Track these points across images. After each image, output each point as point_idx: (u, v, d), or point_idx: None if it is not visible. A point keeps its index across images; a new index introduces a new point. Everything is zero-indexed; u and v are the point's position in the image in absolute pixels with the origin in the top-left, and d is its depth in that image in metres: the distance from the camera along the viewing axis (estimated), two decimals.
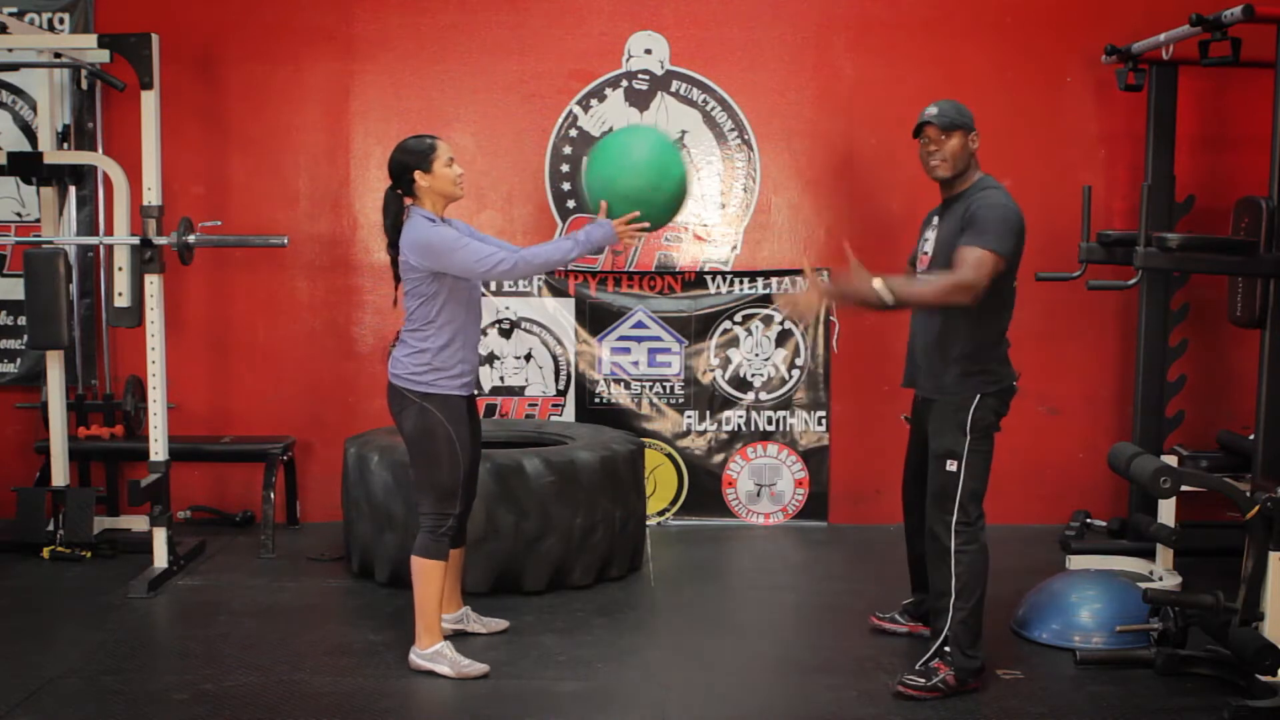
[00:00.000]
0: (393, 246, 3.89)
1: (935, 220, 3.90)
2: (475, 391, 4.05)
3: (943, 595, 3.75)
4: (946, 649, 3.74)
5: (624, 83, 5.82)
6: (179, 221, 4.92)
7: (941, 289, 3.62)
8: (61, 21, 5.72)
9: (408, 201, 3.90)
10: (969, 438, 3.72)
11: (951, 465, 3.73)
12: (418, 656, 3.90)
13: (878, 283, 3.56)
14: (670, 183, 3.86)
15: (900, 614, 4.31)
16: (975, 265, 3.59)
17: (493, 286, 5.80)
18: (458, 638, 4.14)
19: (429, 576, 3.87)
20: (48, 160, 5.09)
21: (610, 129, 5.79)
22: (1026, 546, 5.51)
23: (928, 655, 3.77)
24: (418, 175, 3.84)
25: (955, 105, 3.85)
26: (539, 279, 5.81)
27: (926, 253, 3.89)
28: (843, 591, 4.86)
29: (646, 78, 5.82)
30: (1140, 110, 5.45)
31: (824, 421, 5.89)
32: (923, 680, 3.72)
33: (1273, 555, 3.77)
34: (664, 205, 3.87)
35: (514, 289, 5.82)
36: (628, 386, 5.87)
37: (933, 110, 3.83)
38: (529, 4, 5.78)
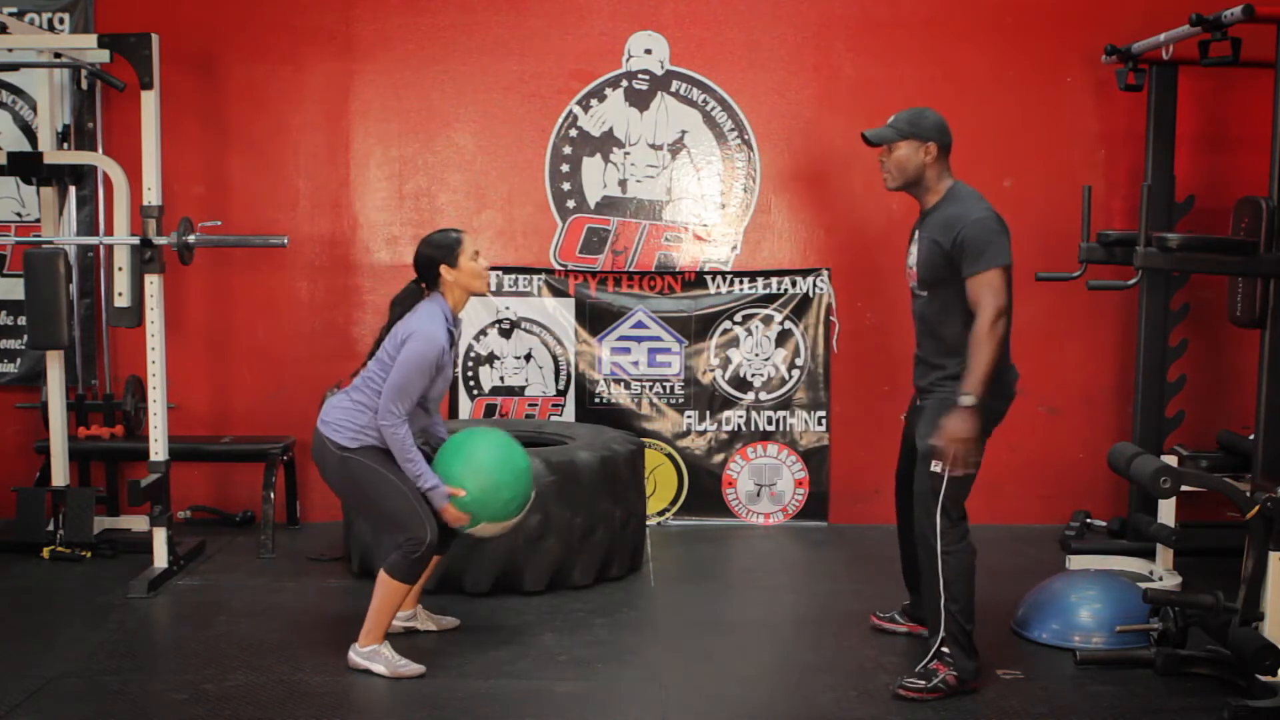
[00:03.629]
0: (386, 330, 3.88)
1: (916, 234, 3.92)
2: None
3: (934, 597, 3.75)
4: (945, 650, 3.74)
5: (624, 83, 5.83)
6: (179, 221, 4.92)
7: (988, 340, 3.62)
8: (61, 21, 5.72)
9: (428, 294, 3.91)
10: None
11: (937, 466, 3.73)
12: (355, 654, 3.91)
13: (963, 400, 3.61)
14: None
15: (900, 614, 4.31)
16: (993, 291, 3.63)
17: (492, 285, 5.79)
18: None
19: (392, 594, 3.87)
20: (48, 160, 5.09)
21: (609, 129, 5.81)
22: (1026, 546, 5.51)
23: (927, 658, 3.77)
24: (443, 269, 3.85)
25: (910, 115, 3.86)
26: (538, 279, 5.81)
27: (911, 267, 3.91)
28: (843, 591, 4.86)
29: (646, 78, 5.82)
30: (1140, 110, 5.45)
31: (824, 421, 5.89)
32: (923, 683, 3.72)
33: (1273, 555, 3.77)
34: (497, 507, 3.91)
35: (514, 289, 5.82)
36: (628, 386, 5.87)
37: (880, 128, 3.89)
38: (529, 4, 5.79)
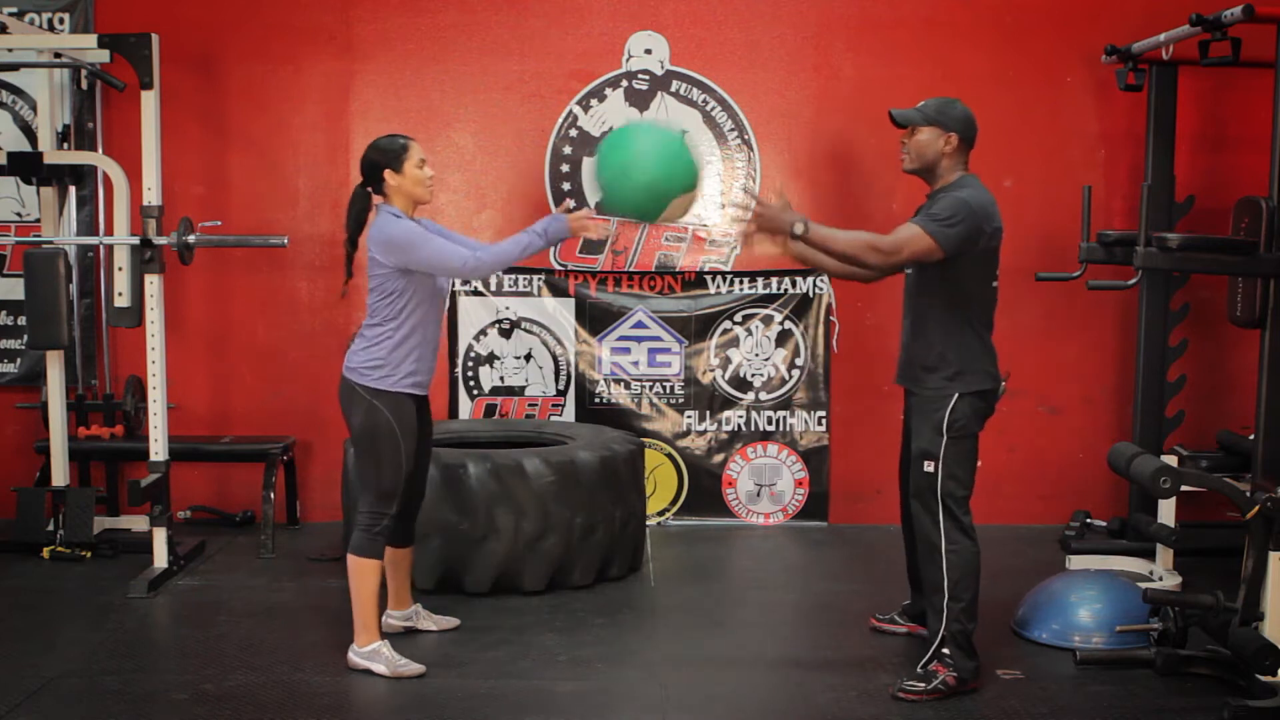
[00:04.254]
0: (350, 243, 3.92)
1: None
2: (427, 392, 4.04)
3: (936, 595, 3.76)
4: (945, 650, 3.74)
5: (624, 83, 5.82)
6: (179, 221, 4.92)
7: (857, 242, 3.67)
8: (61, 21, 5.72)
9: (376, 200, 3.93)
10: (945, 438, 3.74)
11: (929, 466, 3.75)
12: (355, 655, 3.92)
13: (795, 223, 3.63)
14: (677, 180, 3.80)
15: (899, 615, 4.31)
16: (903, 236, 3.65)
17: (492, 285, 5.80)
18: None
19: (365, 575, 3.88)
20: (48, 160, 5.09)
21: (609, 129, 5.80)
22: (1026, 546, 5.51)
23: (926, 658, 3.77)
24: (387, 174, 3.87)
25: (939, 103, 3.86)
26: (538, 279, 5.81)
27: None
28: (843, 591, 4.86)
29: (646, 78, 5.82)
30: (1140, 110, 5.45)
31: (824, 421, 5.89)
32: (923, 685, 3.72)
33: (1273, 555, 3.77)
34: (669, 196, 3.80)
35: (514, 289, 5.82)
36: (628, 386, 5.87)
37: (903, 109, 3.88)
38: (529, 4, 5.79)
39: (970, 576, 3.75)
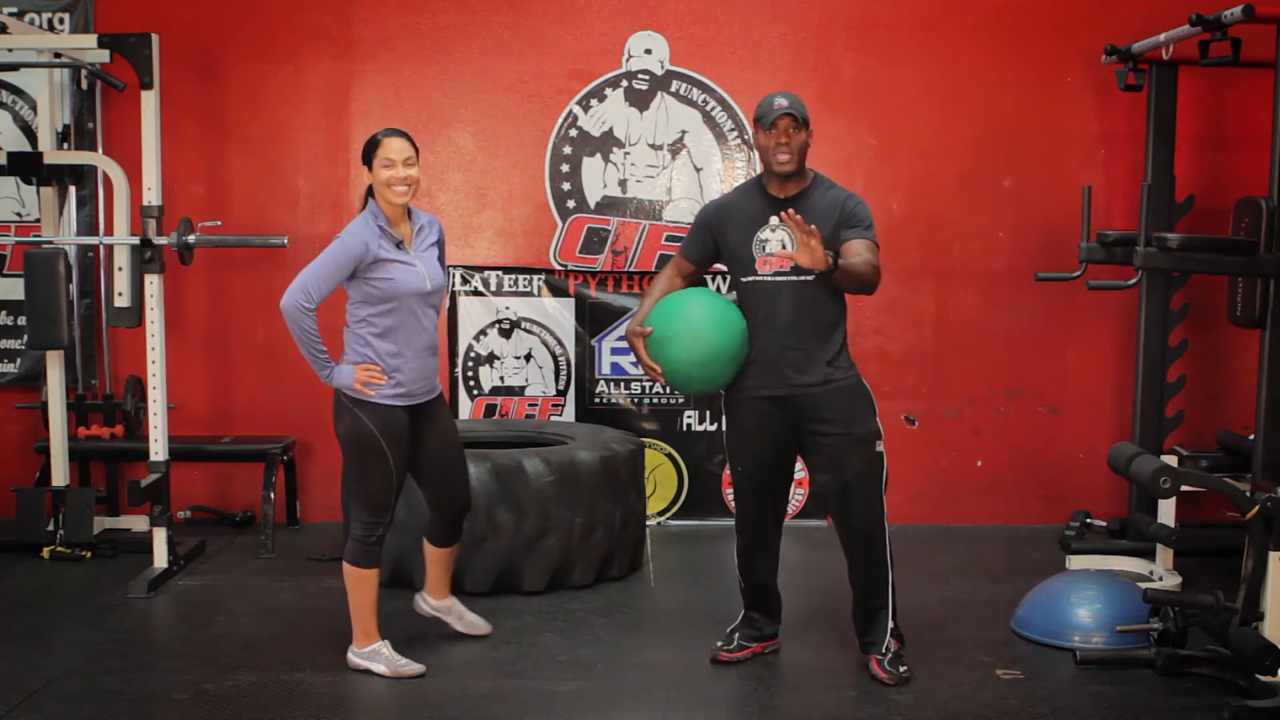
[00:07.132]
0: None
1: (775, 221, 3.81)
2: (429, 397, 3.90)
3: (881, 576, 3.87)
4: (895, 624, 3.89)
5: (624, 83, 5.83)
6: (179, 221, 4.93)
7: (867, 266, 3.71)
8: (61, 21, 5.72)
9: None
10: (876, 416, 3.88)
11: (880, 445, 3.84)
12: (355, 655, 3.91)
13: (831, 257, 3.67)
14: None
15: (745, 639, 4.13)
16: (876, 252, 3.76)
17: (492, 285, 5.80)
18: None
19: (360, 583, 3.85)
20: (48, 160, 5.10)
21: (609, 129, 5.81)
22: (1026, 546, 5.51)
23: (888, 638, 3.88)
24: (366, 172, 3.82)
25: (800, 100, 3.88)
26: (538, 279, 5.81)
27: (773, 254, 3.80)
28: (843, 592, 4.84)
29: (646, 78, 5.82)
30: (1140, 110, 5.45)
31: None
32: (904, 669, 3.85)
33: (1273, 555, 3.77)
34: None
35: (514, 289, 5.82)
36: (628, 386, 5.87)
37: (783, 102, 3.82)
38: (529, 4, 5.79)
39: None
